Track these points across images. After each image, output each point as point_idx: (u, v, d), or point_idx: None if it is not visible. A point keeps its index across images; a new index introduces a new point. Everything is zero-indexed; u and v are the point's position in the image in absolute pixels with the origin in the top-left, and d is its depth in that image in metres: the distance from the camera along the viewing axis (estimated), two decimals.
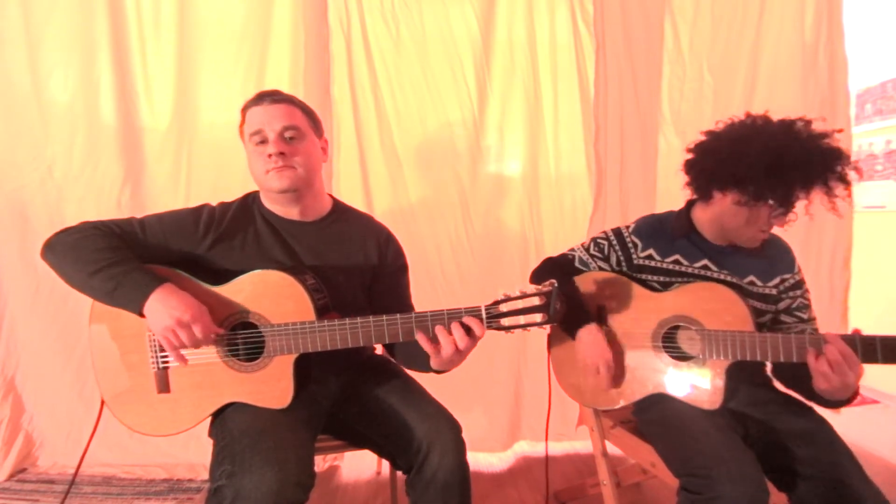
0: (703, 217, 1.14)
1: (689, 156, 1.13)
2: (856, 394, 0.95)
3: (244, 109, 1.07)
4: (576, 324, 1.15)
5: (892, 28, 2.32)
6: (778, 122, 1.02)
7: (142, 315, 0.91)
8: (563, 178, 1.89)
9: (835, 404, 0.98)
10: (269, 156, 1.01)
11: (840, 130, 0.99)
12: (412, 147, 1.81)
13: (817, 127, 0.99)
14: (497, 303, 0.90)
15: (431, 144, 1.82)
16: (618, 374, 1.13)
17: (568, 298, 1.17)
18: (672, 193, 1.83)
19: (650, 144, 1.84)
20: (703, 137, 1.11)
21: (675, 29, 1.85)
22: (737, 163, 1.01)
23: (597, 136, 1.79)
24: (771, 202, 1.00)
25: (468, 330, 0.89)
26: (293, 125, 1.04)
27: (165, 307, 0.89)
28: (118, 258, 0.93)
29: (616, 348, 1.15)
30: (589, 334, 1.14)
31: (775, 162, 0.96)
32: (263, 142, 1.03)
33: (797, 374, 0.99)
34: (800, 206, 1.01)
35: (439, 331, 0.90)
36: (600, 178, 1.80)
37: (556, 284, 0.88)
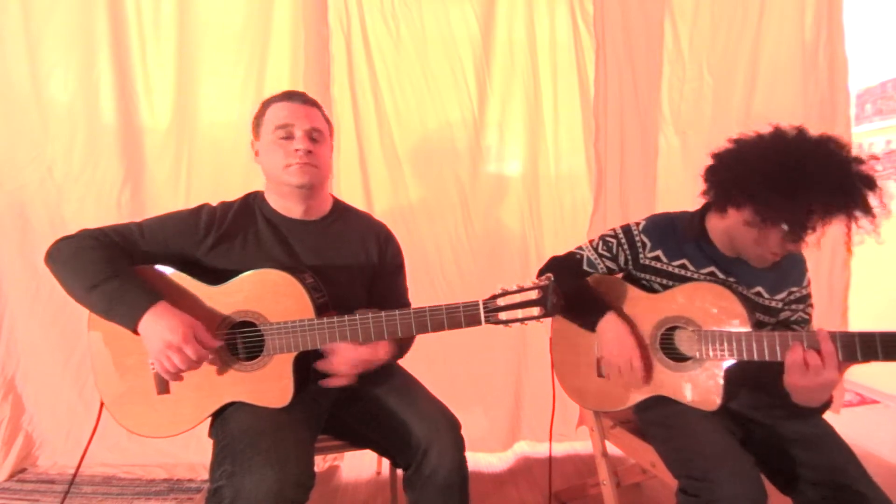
0: (717, 227, 1.09)
1: (711, 162, 1.06)
2: (830, 402, 0.95)
3: (267, 103, 1.10)
4: (592, 316, 1.12)
5: (892, 28, 2.31)
6: (810, 139, 0.95)
7: (136, 333, 0.91)
8: (563, 178, 1.89)
9: (811, 410, 0.96)
10: (296, 150, 1.04)
11: (876, 158, 0.94)
12: (412, 147, 1.81)
13: (851, 152, 0.93)
14: (494, 297, 0.91)
15: (431, 144, 1.82)
16: (647, 367, 1.07)
17: (579, 293, 1.15)
18: (672, 193, 1.85)
19: (650, 144, 1.84)
20: (728, 145, 1.04)
21: (675, 29, 1.85)
22: (752, 179, 0.95)
23: (597, 136, 1.79)
24: (784, 227, 0.94)
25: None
26: (318, 128, 1.09)
27: (157, 330, 0.89)
28: (114, 273, 0.92)
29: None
30: (610, 329, 1.09)
31: (794, 182, 0.90)
32: (289, 137, 1.05)
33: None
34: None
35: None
36: (600, 178, 1.80)
37: (552, 278, 0.89)
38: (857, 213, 0.91)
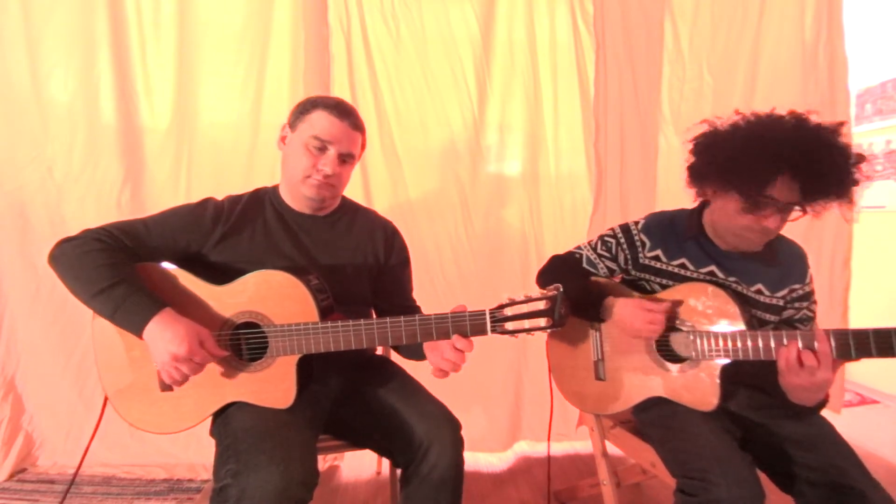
0: (710, 220, 1.11)
1: (689, 157, 1.09)
2: (826, 400, 0.96)
3: (316, 103, 1.07)
4: (595, 307, 1.11)
5: (892, 28, 2.32)
6: (780, 115, 0.97)
7: (141, 339, 0.91)
8: (563, 178, 1.89)
9: (808, 409, 0.97)
10: (321, 169, 1.04)
11: (843, 123, 0.95)
12: (412, 147, 1.81)
13: (830, 124, 0.94)
14: (502, 307, 0.89)
15: (431, 144, 1.82)
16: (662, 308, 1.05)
17: (582, 290, 1.14)
18: (672, 193, 1.85)
19: (650, 144, 1.84)
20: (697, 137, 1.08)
21: (675, 29, 1.85)
22: (714, 152, 0.99)
23: (597, 136, 1.79)
24: (741, 194, 0.95)
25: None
26: (352, 153, 1.09)
27: (162, 340, 0.88)
28: (119, 278, 0.92)
29: (620, 346, 1.14)
30: (615, 306, 1.08)
31: (752, 148, 0.92)
32: (322, 150, 1.05)
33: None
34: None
35: (446, 348, 0.93)
36: (600, 178, 1.80)
37: (560, 289, 0.87)
38: (841, 186, 0.92)
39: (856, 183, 0.93)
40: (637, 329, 1.06)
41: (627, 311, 1.07)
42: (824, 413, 1.02)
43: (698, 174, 1.06)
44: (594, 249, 1.21)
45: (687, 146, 1.10)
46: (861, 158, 0.93)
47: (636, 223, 1.19)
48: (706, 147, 1.03)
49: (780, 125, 0.95)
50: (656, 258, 1.14)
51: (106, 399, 1.01)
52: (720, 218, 1.06)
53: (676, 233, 1.15)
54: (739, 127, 1.00)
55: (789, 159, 0.91)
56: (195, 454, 1.74)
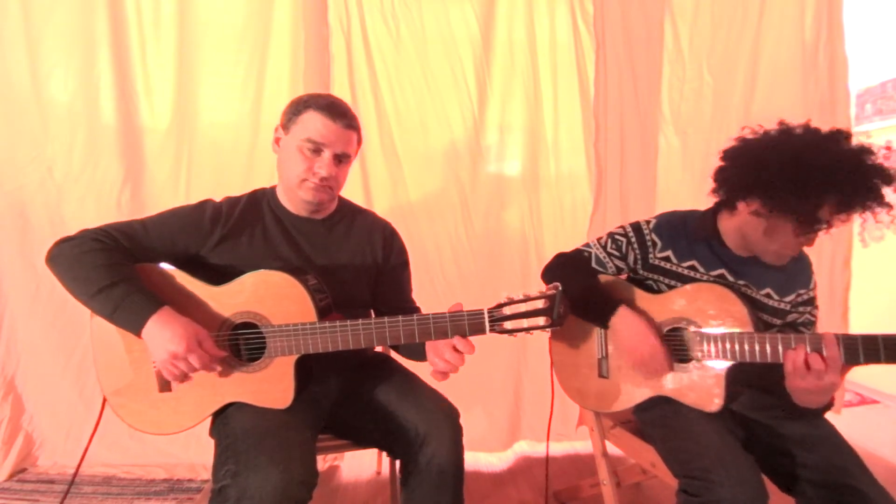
0: (728, 226, 1.08)
1: (719, 161, 1.06)
2: (831, 403, 0.96)
3: (308, 104, 1.05)
4: (604, 312, 1.09)
5: (892, 28, 2.32)
6: (818, 132, 0.94)
7: (140, 338, 0.91)
8: (563, 178, 1.89)
9: (812, 411, 0.97)
10: (316, 172, 1.03)
11: (889, 148, 0.94)
12: (412, 147, 1.81)
13: (863, 143, 0.92)
14: (500, 306, 0.89)
15: (431, 144, 1.82)
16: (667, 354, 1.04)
17: (589, 290, 1.13)
18: (672, 193, 1.85)
19: (650, 144, 1.84)
20: (734, 143, 1.04)
21: (675, 29, 1.85)
22: (760, 170, 0.94)
23: (597, 136, 1.79)
24: (795, 220, 0.92)
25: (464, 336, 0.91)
26: (347, 153, 1.07)
27: (161, 338, 0.89)
28: (117, 278, 0.92)
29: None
30: (626, 322, 1.06)
31: (804, 173, 0.89)
32: (317, 152, 1.04)
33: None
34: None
35: (446, 350, 0.92)
36: (600, 178, 1.80)
37: (559, 288, 0.87)
38: (874, 206, 0.89)
39: (889, 206, 0.91)
40: (640, 359, 1.05)
41: (634, 335, 1.05)
42: (828, 414, 1.02)
43: (739, 189, 1.01)
44: (604, 248, 1.19)
45: (719, 155, 1.06)
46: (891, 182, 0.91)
47: (647, 222, 1.17)
48: (756, 165, 0.97)
49: (832, 145, 0.92)
50: (667, 259, 1.13)
51: (105, 400, 1.01)
52: (754, 234, 1.02)
53: (688, 234, 1.13)
54: (789, 146, 0.94)
55: (841, 185, 0.89)
56: (195, 454, 1.74)
